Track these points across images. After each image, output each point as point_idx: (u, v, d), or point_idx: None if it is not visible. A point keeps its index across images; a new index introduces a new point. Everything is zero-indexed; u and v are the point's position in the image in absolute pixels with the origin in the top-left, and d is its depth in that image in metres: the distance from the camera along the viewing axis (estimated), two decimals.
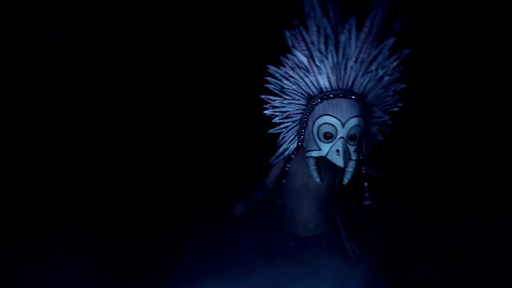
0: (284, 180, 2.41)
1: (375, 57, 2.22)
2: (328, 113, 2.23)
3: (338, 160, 2.24)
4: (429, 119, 3.50)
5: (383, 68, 2.25)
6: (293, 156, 2.41)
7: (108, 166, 3.20)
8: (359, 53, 2.20)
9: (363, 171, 2.37)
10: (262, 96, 2.42)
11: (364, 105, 2.29)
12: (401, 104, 2.42)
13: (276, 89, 2.37)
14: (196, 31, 3.01)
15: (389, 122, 2.47)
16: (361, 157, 2.40)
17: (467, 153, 3.53)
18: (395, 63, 2.26)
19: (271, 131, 2.48)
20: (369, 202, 2.34)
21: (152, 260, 2.88)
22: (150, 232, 3.03)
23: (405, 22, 2.25)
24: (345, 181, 2.31)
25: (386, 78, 2.28)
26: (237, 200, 2.25)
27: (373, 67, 2.23)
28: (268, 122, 2.47)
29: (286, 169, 2.41)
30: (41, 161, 3.01)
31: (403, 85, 2.35)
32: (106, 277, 2.55)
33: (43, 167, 3.03)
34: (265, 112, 2.44)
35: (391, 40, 2.19)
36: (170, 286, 2.49)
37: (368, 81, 2.25)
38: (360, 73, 2.23)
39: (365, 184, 2.36)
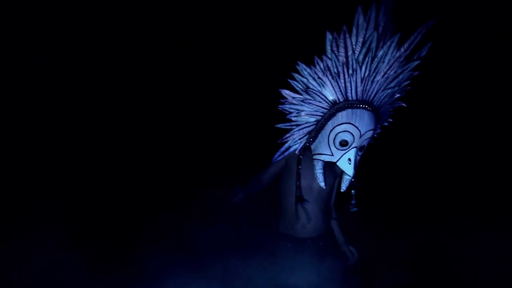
0: (298, 182, 2.38)
1: (397, 76, 2.32)
2: (351, 122, 2.28)
3: (349, 169, 2.32)
4: (425, 118, 3.52)
5: (399, 86, 2.37)
6: (301, 157, 2.40)
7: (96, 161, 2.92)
8: (388, 69, 2.28)
9: (352, 179, 2.42)
10: (283, 90, 2.32)
11: (378, 118, 2.39)
12: (391, 120, 2.56)
13: (299, 87, 2.32)
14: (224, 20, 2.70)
15: (385, 124, 2.57)
16: None
17: (461, 155, 3.58)
18: (406, 83, 2.40)
19: (281, 125, 2.43)
20: (356, 209, 2.42)
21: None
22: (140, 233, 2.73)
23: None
24: (343, 188, 2.41)
25: (396, 96, 2.41)
26: (238, 189, 2.21)
27: (393, 84, 2.33)
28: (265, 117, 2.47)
29: (300, 170, 2.39)
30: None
31: (403, 104, 2.48)
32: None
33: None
34: (280, 106, 2.36)
35: (415, 64, 2.30)
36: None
37: (385, 97, 2.36)
38: (382, 88, 2.32)
39: (352, 191, 2.43)
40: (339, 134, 2.30)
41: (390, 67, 2.27)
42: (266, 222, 2.51)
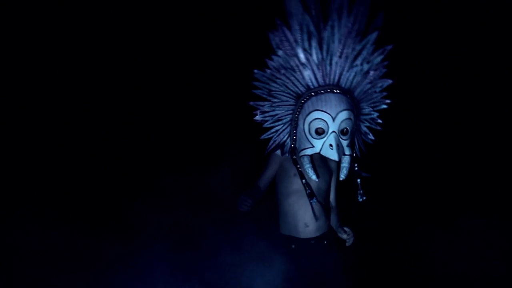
0: (303, 181, 2.31)
1: (360, 52, 2.23)
2: (317, 108, 2.22)
3: (332, 154, 2.23)
4: (424, 118, 3.47)
5: (368, 62, 2.27)
6: (295, 157, 2.34)
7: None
8: (343, 48, 2.21)
9: (356, 169, 2.33)
10: (251, 103, 2.39)
11: (352, 99, 2.28)
12: (389, 101, 2.40)
13: (264, 94, 2.36)
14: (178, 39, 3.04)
15: (379, 121, 2.43)
16: (354, 154, 2.37)
17: (460, 152, 3.51)
18: (379, 58, 2.28)
19: (262, 137, 2.43)
20: (364, 198, 2.30)
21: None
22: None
23: (391, 18, 2.28)
24: (342, 176, 2.28)
25: (371, 73, 2.29)
26: (245, 197, 2.20)
27: (357, 62, 2.24)
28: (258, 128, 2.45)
29: (300, 170, 2.33)
30: None
31: (390, 81, 2.35)
32: None
33: None
34: (255, 118, 2.41)
35: (374, 35, 2.20)
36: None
37: (354, 76, 2.26)
38: (346, 68, 2.24)
39: (358, 180, 2.32)
40: (311, 123, 2.24)
41: (344, 45, 2.21)
42: (265, 225, 2.44)
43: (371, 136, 2.49)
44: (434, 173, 3.53)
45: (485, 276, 2.94)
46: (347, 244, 2.41)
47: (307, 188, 2.28)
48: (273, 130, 2.42)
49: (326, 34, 2.18)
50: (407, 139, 3.41)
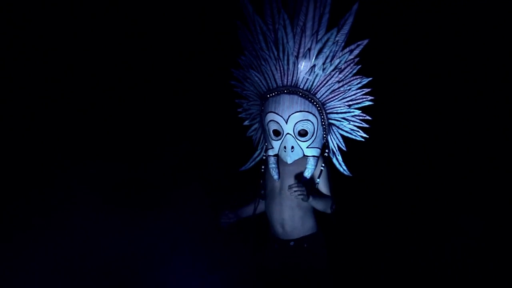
0: (261, 181, 2.36)
1: (320, 51, 2.07)
2: (271, 110, 2.16)
3: (285, 157, 2.19)
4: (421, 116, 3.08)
5: (331, 61, 2.05)
6: (264, 158, 2.36)
7: None
8: (299, 47, 2.08)
9: (321, 168, 2.23)
10: (237, 101, 2.44)
11: (315, 101, 2.15)
12: (372, 98, 2.17)
13: (242, 92, 2.37)
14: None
15: (367, 117, 2.19)
16: (326, 155, 2.28)
17: (461, 155, 3.17)
18: (348, 56, 2.08)
19: (247, 134, 2.48)
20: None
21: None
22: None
23: (365, 12, 2.07)
24: (306, 176, 2.20)
25: (336, 71, 2.11)
26: (227, 212, 2.33)
27: (318, 61, 2.09)
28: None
29: (262, 170, 2.36)
30: None
31: (369, 79, 2.13)
32: None
33: None
34: (240, 115, 2.46)
35: (333, 33, 2.02)
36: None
37: (316, 76, 2.11)
38: (305, 68, 2.11)
39: (317, 180, 2.23)
40: (268, 125, 2.20)
41: (299, 45, 2.08)
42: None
43: (361, 133, 2.26)
44: (434, 173, 3.19)
45: (485, 276, 2.86)
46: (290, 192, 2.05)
47: (261, 188, 2.31)
48: (253, 128, 2.46)
49: (279, 34, 2.06)
50: (406, 139, 3.06)
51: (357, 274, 2.96)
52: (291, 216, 2.22)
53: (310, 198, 2.05)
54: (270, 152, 2.26)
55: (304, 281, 2.21)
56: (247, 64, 2.25)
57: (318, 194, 2.19)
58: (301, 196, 1.99)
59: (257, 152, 2.48)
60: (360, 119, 2.23)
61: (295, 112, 2.12)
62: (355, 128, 2.26)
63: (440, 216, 3.08)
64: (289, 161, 2.18)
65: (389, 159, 3.02)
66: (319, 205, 2.17)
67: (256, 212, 2.42)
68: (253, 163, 2.49)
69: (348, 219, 2.62)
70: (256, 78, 2.22)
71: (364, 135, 2.27)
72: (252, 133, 2.48)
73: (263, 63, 2.16)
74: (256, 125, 2.44)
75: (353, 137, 2.29)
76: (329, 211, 2.22)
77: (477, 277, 2.86)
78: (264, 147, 2.38)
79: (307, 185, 2.09)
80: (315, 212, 2.29)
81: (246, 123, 2.46)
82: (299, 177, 2.24)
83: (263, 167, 2.36)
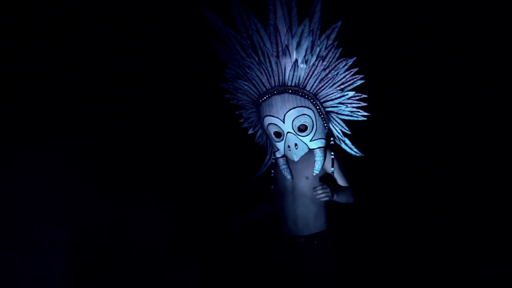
0: (272, 187, 2.40)
1: (298, 45, 2.09)
2: (266, 114, 2.20)
3: (291, 155, 2.22)
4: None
5: (312, 52, 2.07)
6: (273, 161, 2.39)
7: None
8: (277, 47, 2.09)
9: (331, 157, 2.25)
10: (236, 112, 2.47)
11: (306, 94, 2.17)
12: (362, 76, 2.16)
13: (238, 103, 2.40)
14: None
15: (363, 96, 2.21)
16: (332, 143, 2.30)
17: (461, 155, 3.05)
18: (325, 41, 2.08)
19: (255, 141, 2.52)
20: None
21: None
22: None
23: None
24: (315, 171, 2.21)
25: (319, 60, 2.11)
26: (236, 217, 2.39)
27: (298, 55, 2.10)
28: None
29: (272, 175, 2.39)
30: None
31: (353, 58, 2.13)
32: None
33: None
34: (242, 126, 2.49)
35: (306, 25, 2.03)
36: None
37: (300, 70, 2.12)
38: (287, 65, 2.13)
39: (331, 169, 2.25)
40: (268, 128, 2.23)
41: (277, 44, 2.10)
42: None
43: (362, 113, 2.25)
44: (434, 173, 3.08)
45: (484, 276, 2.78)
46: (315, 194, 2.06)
47: (270, 195, 2.36)
48: (258, 134, 2.49)
49: (255, 39, 2.08)
50: (406, 139, 3.02)
51: (364, 271, 2.95)
52: (305, 214, 2.24)
53: (334, 196, 2.07)
54: (277, 154, 2.29)
55: (312, 277, 2.23)
56: (233, 76, 2.28)
57: (339, 189, 2.21)
58: (327, 198, 2.02)
59: (267, 157, 2.50)
60: (357, 100, 2.21)
61: (289, 110, 2.14)
62: (354, 110, 2.25)
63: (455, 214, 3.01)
64: (296, 159, 2.20)
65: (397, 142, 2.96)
66: (343, 199, 2.19)
67: (266, 214, 2.47)
68: (265, 168, 2.51)
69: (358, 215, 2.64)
70: (246, 87, 2.25)
71: (366, 114, 2.25)
72: (259, 139, 2.50)
73: (248, 70, 2.19)
74: (259, 132, 2.46)
75: (355, 118, 2.28)
76: (351, 201, 2.25)
77: None
78: (272, 151, 2.41)
79: (328, 182, 2.13)
80: (327, 209, 2.30)
81: (250, 131, 2.48)
82: (311, 172, 2.25)
83: (272, 171, 2.39)
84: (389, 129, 2.85)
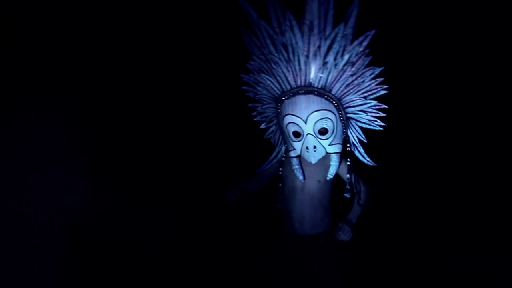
0: (280, 184, 2.39)
1: (329, 48, 2.07)
2: (288, 112, 2.18)
3: (308, 157, 2.22)
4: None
5: (342, 56, 2.06)
6: (283, 159, 2.38)
7: None
8: (309, 46, 2.07)
9: (348, 163, 2.26)
10: (250, 105, 2.44)
11: (331, 97, 2.16)
12: (386, 86, 2.17)
13: (255, 96, 2.38)
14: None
15: (384, 106, 2.21)
16: (348, 149, 2.29)
17: (461, 155, 3.20)
18: (358, 48, 2.07)
19: (265, 137, 2.50)
20: (348, 195, 2.22)
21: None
22: None
23: (364, 4, 2.03)
24: (329, 176, 2.25)
25: (349, 65, 2.11)
26: (231, 187, 2.36)
27: (329, 58, 2.09)
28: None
29: (280, 173, 2.39)
30: None
31: (381, 68, 2.13)
32: None
33: None
34: (255, 119, 2.47)
35: (341, 28, 2.01)
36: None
37: (328, 73, 2.11)
38: (317, 67, 2.11)
39: (347, 176, 2.25)
40: (288, 127, 2.22)
41: (309, 44, 2.08)
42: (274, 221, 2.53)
43: (379, 122, 2.27)
44: (435, 173, 3.21)
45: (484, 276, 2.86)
46: (337, 237, 2.17)
47: (279, 193, 2.36)
48: (270, 130, 2.47)
49: (287, 35, 2.06)
50: (407, 139, 3.11)
51: (369, 271, 3.01)
52: (312, 215, 2.28)
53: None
54: (292, 154, 2.28)
55: (318, 276, 2.26)
56: (256, 68, 2.26)
57: (353, 213, 2.28)
58: (349, 239, 2.13)
59: (274, 154, 2.49)
60: (377, 109, 2.23)
61: (313, 112, 2.14)
62: (372, 119, 2.27)
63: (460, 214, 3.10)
64: (314, 161, 2.21)
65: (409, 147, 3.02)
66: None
67: (260, 185, 2.47)
68: (269, 165, 2.50)
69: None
70: (269, 82, 2.23)
71: (382, 124, 2.28)
72: (270, 135, 2.49)
73: (274, 66, 2.16)
74: (273, 127, 2.44)
75: (372, 127, 2.30)
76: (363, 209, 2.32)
77: None
78: (281, 149, 2.41)
79: (349, 224, 2.20)
80: (331, 210, 2.35)
81: (262, 126, 2.46)
82: (323, 176, 2.27)
83: (281, 169, 2.39)
84: (401, 141, 2.89)
